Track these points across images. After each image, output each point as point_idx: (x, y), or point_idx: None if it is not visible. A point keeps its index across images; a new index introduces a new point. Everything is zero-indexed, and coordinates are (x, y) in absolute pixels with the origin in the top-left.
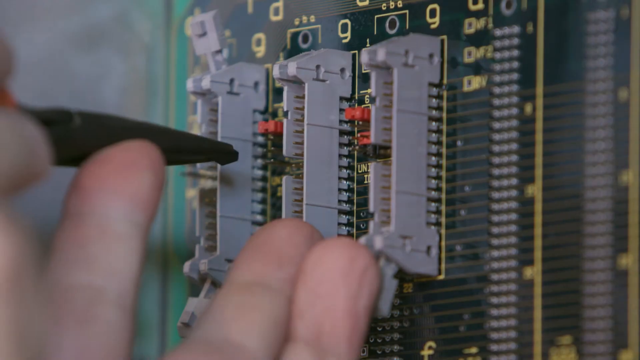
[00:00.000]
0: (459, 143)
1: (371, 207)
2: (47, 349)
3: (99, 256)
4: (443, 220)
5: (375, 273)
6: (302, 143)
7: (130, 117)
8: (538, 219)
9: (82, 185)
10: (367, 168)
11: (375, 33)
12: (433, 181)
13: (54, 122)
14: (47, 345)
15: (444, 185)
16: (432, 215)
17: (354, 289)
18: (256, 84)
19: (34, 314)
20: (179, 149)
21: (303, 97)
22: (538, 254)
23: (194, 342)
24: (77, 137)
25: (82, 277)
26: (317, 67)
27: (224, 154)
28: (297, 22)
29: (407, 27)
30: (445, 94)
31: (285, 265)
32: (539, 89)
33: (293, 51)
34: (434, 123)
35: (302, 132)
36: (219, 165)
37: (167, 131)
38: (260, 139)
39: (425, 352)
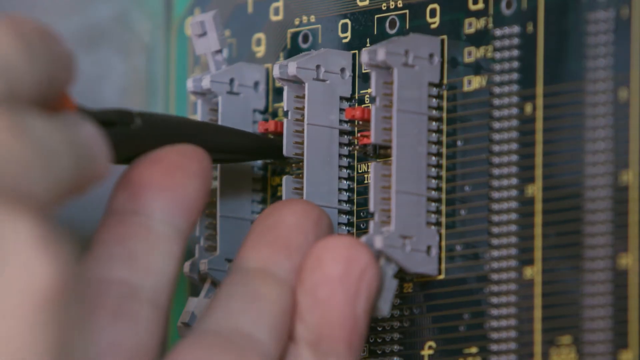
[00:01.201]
0: (459, 143)
1: (371, 207)
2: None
3: (139, 254)
4: (443, 220)
5: (374, 274)
6: (302, 143)
7: (188, 117)
8: (538, 219)
9: (130, 183)
10: (367, 168)
11: (375, 33)
12: (433, 181)
13: (114, 123)
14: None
15: (444, 185)
16: (432, 215)
17: (352, 293)
18: (256, 84)
19: (77, 333)
20: (234, 148)
21: (303, 97)
22: (538, 254)
23: (203, 333)
24: (137, 138)
25: (120, 272)
26: (317, 67)
27: (272, 150)
28: (297, 22)
29: (407, 27)
30: (445, 93)
31: (293, 255)
32: (539, 89)
33: (293, 51)
34: (434, 123)
35: (302, 132)
36: (219, 165)
37: (227, 130)
38: None
39: (425, 352)
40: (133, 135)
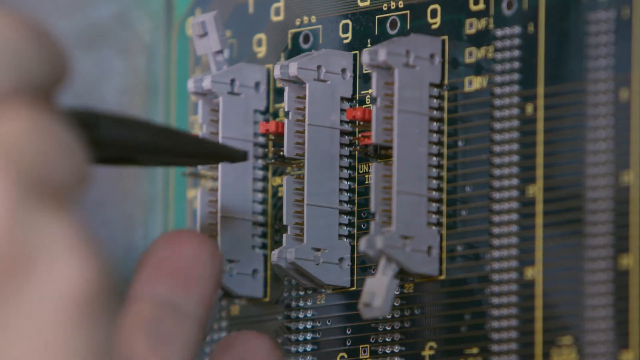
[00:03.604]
0: (459, 143)
1: (372, 208)
2: None
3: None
4: (444, 220)
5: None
6: (303, 143)
7: (152, 120)
8: (539, 219)
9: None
10: (368, 168)
11: (376, 33)
12: (434, 181)
13: (81, 124)
14: None
15: (444, 185)
16: (433, 216)
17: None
18: (257, 84)
19: (110, 337)
20: (195, 153)
21: (304, 98)
22: (539, 254)
23: None
24: (103, 140)
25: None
26: (318, 67)
27: (228, 156)
28: (298, 23)
29: (408, 27)
30: (446, 94)
31: (195, 287)
32: (540, 89)
33: (294, 51)
34: (434, 123)
35: (303, 132)
36: (219, 166)
37: (185, 135)
38: (261, 139)
39: (426, 353)
40: (100, 137)
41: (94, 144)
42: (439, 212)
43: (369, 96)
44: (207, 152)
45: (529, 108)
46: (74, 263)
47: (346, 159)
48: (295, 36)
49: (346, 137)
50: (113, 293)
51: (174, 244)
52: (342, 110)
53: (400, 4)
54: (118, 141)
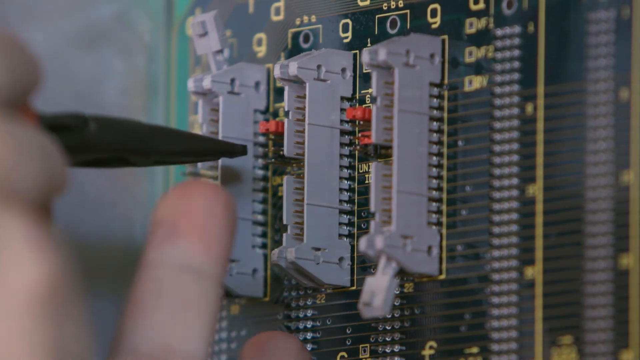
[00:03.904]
0: (460, 143)
1: (372, 207)
2: None
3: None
4: (444, 220)
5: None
6: (303, 143)
7: (144, 121)
8: (539, 219)
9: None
10: (368, 168)
11: (376, 33)
12: (434, 181)
13: (69, 127)
14: None
15: (445, 185)
16: (433, 215)
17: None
18: (257, 84)
19: (72, 333)
20: (190, 151)
21: (304, 97)
22: (539, 254)
23: (131, 357)
24: (92, 142)
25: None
26: (318, 67)
27: (226, 151)
28: (298, 22)
29: (408, 27)
30: (446, 93)
31: (213, 245)
32: (540, 89)
33: (294, 51)
34: (435, 123)
35: (303, 132)
36: (219, 165)
37: (179, 133)
38: (261, 138)
39: (427, 352)
40: (88, 139)
41: (82, 146)
42: (439, 211)
43: (369, 96)
44: (204, 149)
45: (529, 108)
46: (33, 262)
47: (346, 159)
48: (295, 36)
49: (346, 136)
50: (79, 290)
51: (186, 199)
52: (342, 110)
53: (400, 4)
54: (107, 142)
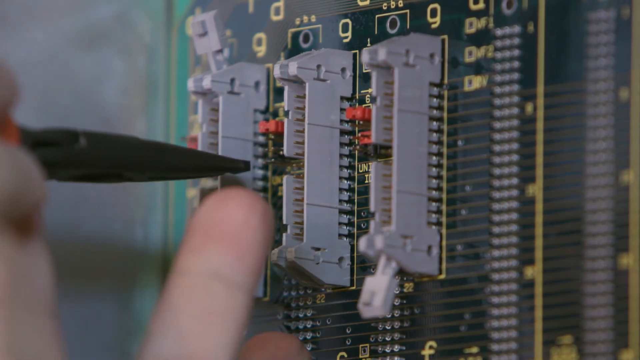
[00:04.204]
0: (459, 143)
1: (372, 207)
2: None
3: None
4: (444, 219)
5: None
6: (303, 143)
7: (139, 137)
8: (539, 219)
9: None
10: (368, 168)
11: (376, 33)
12: (434, 181)
13: (59, 142)
14: None
15: (444, 184)
16: (433, 215)
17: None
18: (257, 84)
19: (28, 334)
20: (186, 168)
21: (304, 97)
22: (539, 254)
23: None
24: (82, 157)
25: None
26: (318, 66)
27: (224, 167)
28: (297, 22)
29: (408, 26)
30: (446, 93)
31: (245, 256)
32: (540, 89)
33: (294, 51)
34: (434, 123)
35: (302, 131)
36: None
37: (176, 150)
38: (261, 138)
39: (426, 352)
40: (77, 155)
41: (72, 161)
42: (438, 211)
43: (368, 95)
44: (204, 166)
45: (529, 107)
46: None
47: (346, 159)
48: (295, 35)
49: (346, 136)
50: (46, 294)
51: (223, 207)
52: (342, 110)
53: (400, 4)
54: (98, 157)
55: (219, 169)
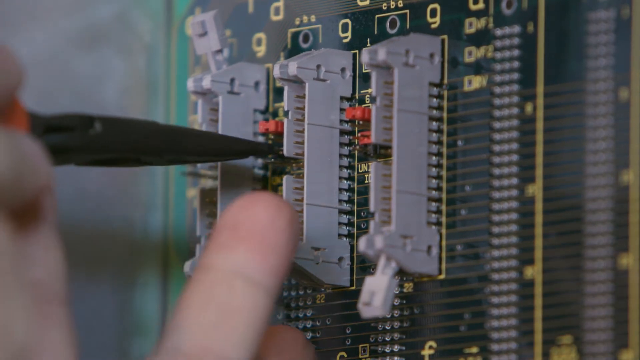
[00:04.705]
0: (459, 143)
1: (372, 207)
2: (30, 348)
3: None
4: (444, 219)
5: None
6: (302, 143)
7: (156, 121)
8: (538, 219)
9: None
10: (368, 168)
11: (375, 33)
12: (434, 181)
13: (73, 127)
14: (30, 345)
15: (444, 184)
16: (433, 215)
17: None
18: (257, 84)
19: (15, 312)
20: (207, 151)
21: (304, 97)
22: (538, 254)
23: (171, 354)
24: (97, 142)
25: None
26: (318, 66)
27: (242, 150)
28: (297, 22)
29: (408, 26)
30: (445, 93)
31: (269, 255)
32: (540, 89)
33: (294, 51)
34: (434, 123)
35: (302, 131)
36: (219, 165)
37: (196, 133)
38: (260, 138)
39: (426, 352)
40: (93, 140)
41: (87, 146)
42: (438, 211)
43: (368, 95)
44: (225, 149)
45: (529, 107)
46: None
47: (346, 159)
48: (295, 35)
49: (346, 136)
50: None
51: (250, 208)
52: (342, 110)
53: (400, 4)
54: (114, 142)
55: (240, 152)
